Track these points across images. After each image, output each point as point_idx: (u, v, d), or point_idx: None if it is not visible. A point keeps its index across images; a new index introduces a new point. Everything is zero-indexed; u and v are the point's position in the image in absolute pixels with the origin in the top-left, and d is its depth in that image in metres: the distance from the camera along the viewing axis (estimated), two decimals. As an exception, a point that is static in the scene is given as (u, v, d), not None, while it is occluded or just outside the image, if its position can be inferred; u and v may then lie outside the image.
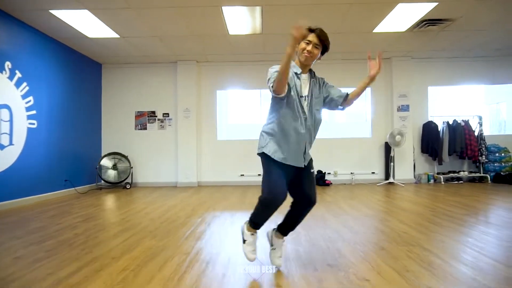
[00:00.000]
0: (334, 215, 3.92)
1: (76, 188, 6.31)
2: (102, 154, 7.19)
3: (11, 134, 4.78)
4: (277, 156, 2.05)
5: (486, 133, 7.31)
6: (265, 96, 8.04)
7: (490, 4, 4.68)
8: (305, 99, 2.12)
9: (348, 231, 3.17)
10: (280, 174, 2.04)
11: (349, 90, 2.24)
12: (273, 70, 2.02)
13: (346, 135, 7.82)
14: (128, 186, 7.06)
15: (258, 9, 4.73)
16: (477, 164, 7.20)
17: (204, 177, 7.46)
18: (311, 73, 2.20)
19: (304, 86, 2.14)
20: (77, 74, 6.52)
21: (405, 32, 5.68)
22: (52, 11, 4.65)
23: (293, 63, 2.11)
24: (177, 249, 2.70)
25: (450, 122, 7.17)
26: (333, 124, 9.43)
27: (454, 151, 7.04)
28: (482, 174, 7.11)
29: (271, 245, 2.28)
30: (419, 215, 3.88)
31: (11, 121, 4.78)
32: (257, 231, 2.20)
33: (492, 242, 2.77)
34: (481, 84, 7.71)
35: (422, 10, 4.88)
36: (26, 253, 2.63)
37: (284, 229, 2.25)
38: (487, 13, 5.01)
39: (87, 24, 5.17)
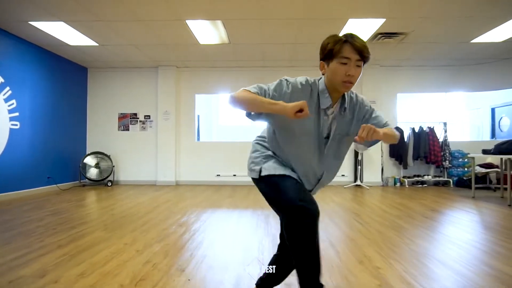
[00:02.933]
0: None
1: (58, 185, 6.75)
2: (86, 153, 7.64)
3: (-7, 135, 5.23)
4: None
5: (465, 138, 7.60)
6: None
7: (434, 20, 5.04)
8: (326, 139, 1.58)
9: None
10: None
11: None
12: (271, 87, 1.48)
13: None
14: (109, 184, 7.49)
15: (219, 22, 5.12)
16: (441, 169, 7.54)
17: (182, 176, 7.88)
18: (343, 100, 1.57)
19: (325, 124, 1.57)
20: (62, 77, 6.96)
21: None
22: (31, 23, 5.08)
23: (321, 86, 1.52)
24: (118, 240, 3.10)
25: (416, 129, 7.51)
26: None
27: (418, 156, 7.39)
28: (445, 179, 7.45)
29: None
30: (345, 209, 4.25)
31: (-7, 122, 5.22)
32: None
33: (370, 231, 3.14)
34: (446, 92, 8.05)
35: (374, 25, 5.25)
36: (-14, 241, 3.05)
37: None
38: (434, 28, 5.36)
39: (66, 34, 5.59)
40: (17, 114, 5.71)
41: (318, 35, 5.57)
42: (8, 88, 5.50)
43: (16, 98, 5.68)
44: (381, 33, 5.57)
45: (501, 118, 9.32)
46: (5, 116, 5.46)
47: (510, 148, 5.11)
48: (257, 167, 1.61)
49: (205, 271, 2.32)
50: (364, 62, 1.46)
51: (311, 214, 1.38)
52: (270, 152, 1.65)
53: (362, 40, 1.45)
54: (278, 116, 1.44)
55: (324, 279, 2.09)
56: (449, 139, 7.59)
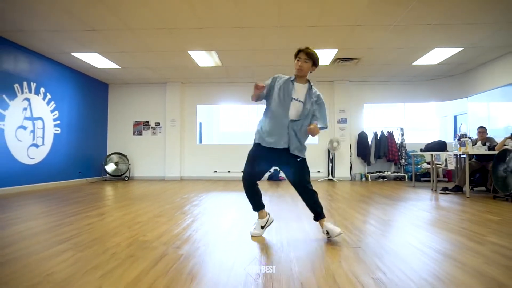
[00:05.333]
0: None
1: (87, 178, 8.43)
2: (107, 154, 9.33)
3: (43, 137, 6.92)
4: (262, 141, 2.68)
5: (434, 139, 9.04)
6: (252, 109, 10.01)
7: (376, 50, 6.66)
8: (295, 101, 2.64)
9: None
10: (259, 160, 2.72)
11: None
12: (266, 81, 2.74)
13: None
14: (126, 178, 9.15)
15: (214, 52, 6.80)
16: (399, 166, 9.10)
17: (185, 172, 9.52)
18: (310, 84, 2.71)
19: (298, 91, 2.66)
20: (89, 92, 8.69)
21: (329, 65, 7.67)
22: (73, 54, 6.81)
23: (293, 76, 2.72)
24: (140, 204, 4.72)
25: (378, 133, 9.09)
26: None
27: (379, 156, 8.96)
28: (402, 174, 9.00)
29: (327, 233, 2.66)
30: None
31: (43, 128, 6.92)
32: (257, 212, 2.86)
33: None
34: (405, 102, 9.63)
35: (331, 53, 6.88)
36: (52, 206, 4.71)
37: (315, 216, 2.78)
38: (378, 55, 6.98)
39: (96, 60, 7.30)
40: (59, 122, 7.41)
41: (290, 60, 7.19)
42: (53, 102, 7.22)
43: (58, 109, 7.39)
44: (338, 58, 7.20)
45: (461, 124, 10.86)
46: (51, 123, 7.16)
47: (435, 147, 6.68)
48: None
49: (195, 214, 3.93)
50: (312, 61, 2.65)
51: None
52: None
53: (309, 49, 2.64)
54: (271, 94, 2.72)
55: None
56: (419, 142, 9.07)
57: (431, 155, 6.56)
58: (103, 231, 3.00)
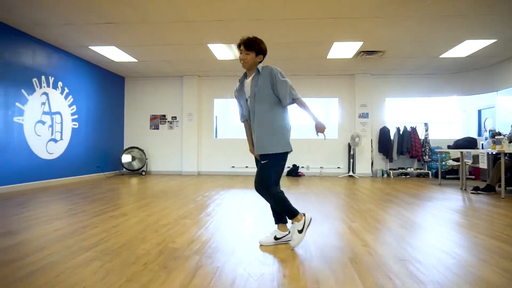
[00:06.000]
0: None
1: (104, 173, 8.39)
2: (124, 148, 9.27)
3: (61, 132, 6.87)
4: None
5: (457, 136, 8.78)
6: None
7: (401, 42, 6.36)
8: (248, 100, 2.52)
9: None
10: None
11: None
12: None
13: (318, 136, 9.54)
14: (143, 173, 9.10)
15: (233, 45, 6.60)
16: (422, 162, 8.80)
17: (203, 167, 9.41)
18: (257, 72, 2.46)
19: (247, 89, 2.50)
20: (105, 86, 8.60)
21: (352, 58, 7.39)
22: (91, 47, 6.69)
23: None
24: (165, 201, 4.61)
25: (401, 128, 8.80)
26: (307, 127, 11.18)
27: (402, 152, 8.67)
28: (426, 171, 8.71)
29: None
30: (324, 188, 5.64)
31: (61, 123, 6.86)
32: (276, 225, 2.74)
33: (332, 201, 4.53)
34: (428, 96, 9.27)
35: (355, 46, 6.61)
36: (74, 204, 4.63)
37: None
38: (403, 47, 6.68)
39: (114, 53, 7.18)
40: (76, 116, 7.35)
41: (315, 53, 6.98)
42: (71, 96, 7.15)
43: (76, 103, 7.32)
44: (362, 51, 6.92)
45: (486, 119, 10.45)
46: (69, 118, 7.10)
47: (464, 144, 6.39)
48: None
49: (220, 216, 3.79)
50: (255, 51, 2.41)
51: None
52: None
53: (247, 39, 2.41)
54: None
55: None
56: (442, 137, 8.80)
57: (461, 152, 6.27)
58: (130, 236, 2.88)
